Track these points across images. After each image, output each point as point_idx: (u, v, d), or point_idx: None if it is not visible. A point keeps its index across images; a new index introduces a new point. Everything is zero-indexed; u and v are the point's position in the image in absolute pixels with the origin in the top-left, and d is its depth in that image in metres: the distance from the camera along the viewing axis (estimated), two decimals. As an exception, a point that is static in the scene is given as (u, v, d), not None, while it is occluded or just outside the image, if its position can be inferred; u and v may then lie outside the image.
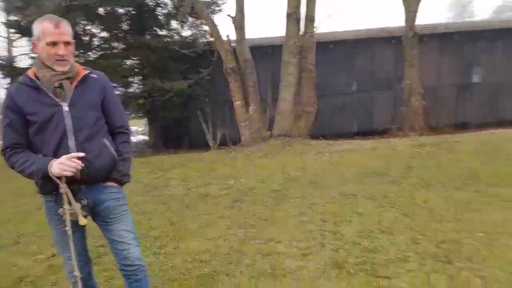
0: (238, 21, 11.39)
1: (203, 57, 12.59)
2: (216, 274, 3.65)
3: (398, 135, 11.78)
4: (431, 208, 5.08)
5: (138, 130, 20.37)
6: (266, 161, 8.99)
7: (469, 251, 3.77)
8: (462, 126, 12.83)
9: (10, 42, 19.83)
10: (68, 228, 2.30)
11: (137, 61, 13.81)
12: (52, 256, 4.36)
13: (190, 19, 13.85)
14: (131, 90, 13.89)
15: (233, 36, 11.71)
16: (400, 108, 12.27)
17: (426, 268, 3.46)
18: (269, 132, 11.46)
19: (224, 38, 11.62)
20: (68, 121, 2.28)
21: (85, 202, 2.31)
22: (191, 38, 13.71)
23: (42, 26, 2.24)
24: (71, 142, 2.29)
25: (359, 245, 4.05)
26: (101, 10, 12.71)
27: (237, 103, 11.51)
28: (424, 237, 4.16)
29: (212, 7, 13.69)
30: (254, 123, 11.35)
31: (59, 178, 2.21)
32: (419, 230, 4.38)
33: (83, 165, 2.25)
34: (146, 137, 17.49)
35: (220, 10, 14.08)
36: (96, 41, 13.57)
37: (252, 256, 3.97)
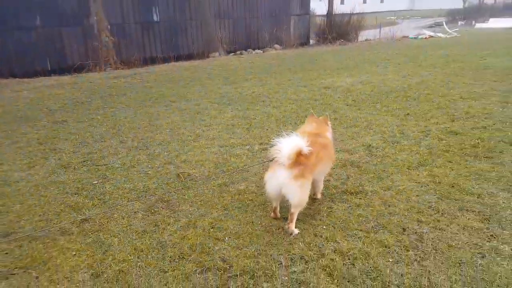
0: None
1: None
2: None
3: (94, 69, 12.50)
4: (131, 121, 6.50)
5: None
6: None
7: (159, 141, 5.43)
8: (151, 60, 14.89)
9: None
10: None
11: None
12: None
13: None
14: None
15: None
16: (93, 43, 12.86)
17: (131, 154, 4.88)
18: None
19: None
20: None
21: None
22: None
23: None
24: None
25: (79, 152, 4.99)
26: None
27: None
28: (128, 139, 5.54)
29: None
30: None
31: None
32: (124, 135, 5.72)
33: None
34: None
35: None
36: None
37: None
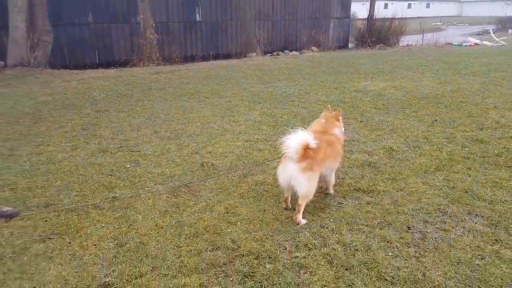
0: None
1: None
2: None
3: (138, 65, 13.22)
4: (166, 113, 6.93)
5: None
6: (8, 90, 8.64)
7: (190, 133, 5.79)
8: (191, 58, 15.50)
9: None
10: None
11: None
12: None
13: None
14: None
15: None
16: (138, 40, 13.59)
17: (163, 143, 5.28)
18: (2, 62, 10.54)
19: None
20: None
21: None
22: None
23: None
24: None
25: (117, 139, 5.46)
26: None
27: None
28: (162, 129, 5.95)
29: None
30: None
31: None
32: (158, 126, 6.13)
33: None
34: None
35: None
36: None
37: (26, 156, 4.78)
